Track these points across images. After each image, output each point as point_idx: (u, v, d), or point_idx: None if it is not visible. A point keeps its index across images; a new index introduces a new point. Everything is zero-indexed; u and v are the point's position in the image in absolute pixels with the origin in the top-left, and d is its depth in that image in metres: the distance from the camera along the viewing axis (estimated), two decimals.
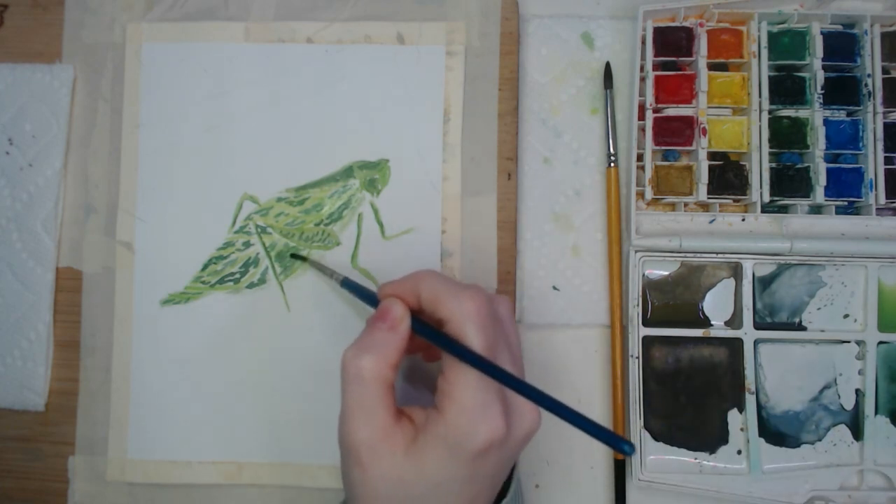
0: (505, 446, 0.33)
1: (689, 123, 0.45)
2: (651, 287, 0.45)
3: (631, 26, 0.47)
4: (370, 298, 0.37)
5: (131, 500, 0.44)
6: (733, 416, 0.44)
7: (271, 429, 0.44)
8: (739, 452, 0.44)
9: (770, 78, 0.45)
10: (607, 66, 0.46)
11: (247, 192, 0.45)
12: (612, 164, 0.45)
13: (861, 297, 0.45)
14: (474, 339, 0.32)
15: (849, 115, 0.45)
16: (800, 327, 0.45)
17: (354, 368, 0.33)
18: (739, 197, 0.44)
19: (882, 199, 0.44)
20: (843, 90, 0.45)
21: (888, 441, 0.44)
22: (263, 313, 0.44)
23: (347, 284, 0.40)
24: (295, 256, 0.44)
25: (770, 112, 0.45)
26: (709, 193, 0.44)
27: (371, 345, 0.34)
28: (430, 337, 0.34)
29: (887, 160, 0.44)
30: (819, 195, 0.44)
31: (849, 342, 0.44)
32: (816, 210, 0.45)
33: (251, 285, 0.44)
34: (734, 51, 0.45)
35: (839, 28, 0.45)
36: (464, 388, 0.32)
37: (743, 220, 0.45)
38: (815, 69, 0.44)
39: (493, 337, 0.33)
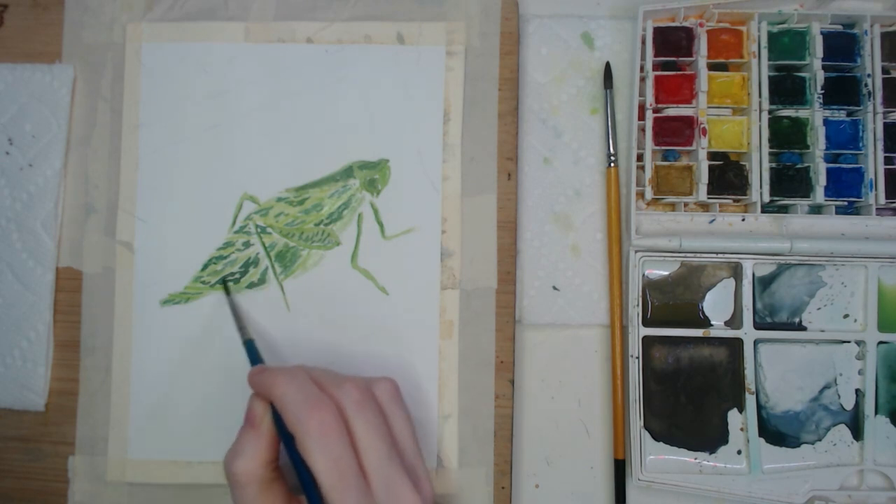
0: None
1: (689, 123, 0.45)
2: (651, 287, 0.45)
3: (631, 26, 0.47)
4: (253, 362, 0.40)
5: (131, 500, 0.44)
6: (733, 416, 0.44)
7: None
8: (739, 452, 0.44)
9: (770, 78, 0.45)
10: (607, 66, 0.46)
11: (247, 192, 0.45)
12: (612, 164, 0.45)
13: (861, 297, 0.45)
14: (314, 460, 0.32)
15: (849, 115, 0.45)
16: (800, 327, 0.45)
17: (229, 474, 0.35)
18: (739, 197, 0.44)
19: (882, 199, 0.44)
20: (843, 90, 0.45)
21: (888, 441, 0.44)
22: (263, 313, 0.44)
23: (249, 347, 0.40)
24: (225, 283, 0.44)
25: (770, 112, 0.45)
26: (709, 193, 0.44)
27: (240, 448, 0.35)
28: (284, 443, 0.34)
29: (887, 160, 0.44)
30: (819, 195, 0.44)
31: (849, 342, 0.44)
32: (816, 210, 0.45)
33: (251, 285, 0.44)
34: (734, 51, 0.45)
35: (839, 28, 0.45)
36: None
37: (743, 220, 0.45)
38: (815, 69, 0.44)
39: (339, 454, 0.32)
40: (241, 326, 0.42)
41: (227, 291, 0.44)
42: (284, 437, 0.34)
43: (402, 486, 0.33)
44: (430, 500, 0.35)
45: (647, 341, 0.44)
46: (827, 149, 0.44)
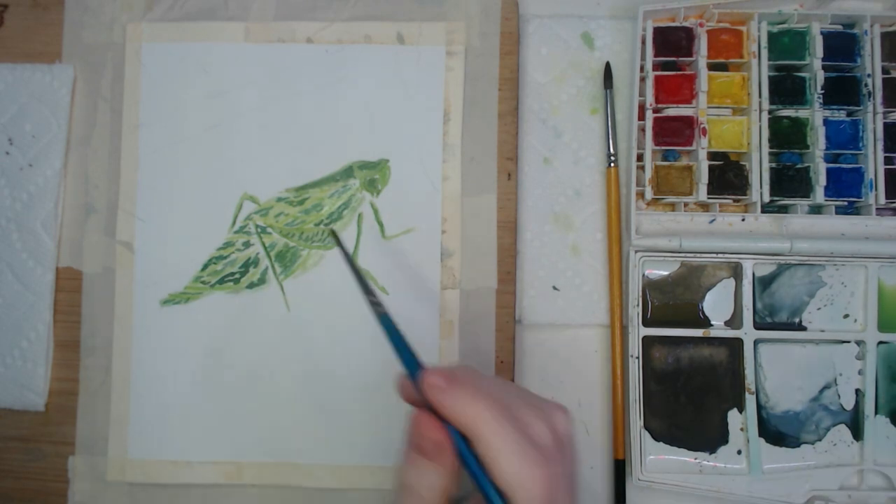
0: None
1: (689, 123, 0.45)
2: (651, 287, 0.45)
3: (631, 26, 0.47)
4: (409, 363, 0.31)
5: (131, 500, 0.44)
6: (733, 416, 0.44)
7: (271, 429, 0.44)
8: (739, 452, 0.44)
9: (770, 78, 0.45)
10: (607, 66, 0.46)
11: (247, 192, 0.45)
12: (612, 164, 0.45)
13: (861, 297, 0.45)
14: None
15: (849, 115, 0.45)
16: (800, 327, 0.45)
17: (406, 489, 0.29)
18: (739, 197, 0.44)
19: (882, 199, 0.44)
20: (843, 90, 0.45)
21: (888, 441, 0.44)
22: (263, 313, 0.44)
23: (386, 324, 0.33)
24: (334, 236, 0.39)
25: (770, 112, 0.45)
26: (709, 193, 0.44)
27: (414, 483, 0.29)
28: (479, 484, 0.28)
29: (887, 160, 0.44)
30: (819, 195, 0.44)
31: (849, 342, 0.44)
32: (816, 210, 0.45)
33: (251, 285, 0.44)
34: (734, 51, 0.45)
35: (839, 28, 0.45)
36: None
37: (743, 220, 0.45)
38: (815, 69, 0.44)
39: None
40: (373, 301, 0.34)
41: (340, 245, 0.38)
42: (476, 472, 0.29)
43: None
44: None
45: (647, 341, 0.44)
46: (827, 149, 0.44)
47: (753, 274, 0.44)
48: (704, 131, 0.44)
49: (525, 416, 0.29)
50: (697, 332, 0.44)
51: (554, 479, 0.28)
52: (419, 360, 0.31)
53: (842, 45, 0.45)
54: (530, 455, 0.27)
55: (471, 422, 0.28)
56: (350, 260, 0.36)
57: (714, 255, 0.44)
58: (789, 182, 0.44)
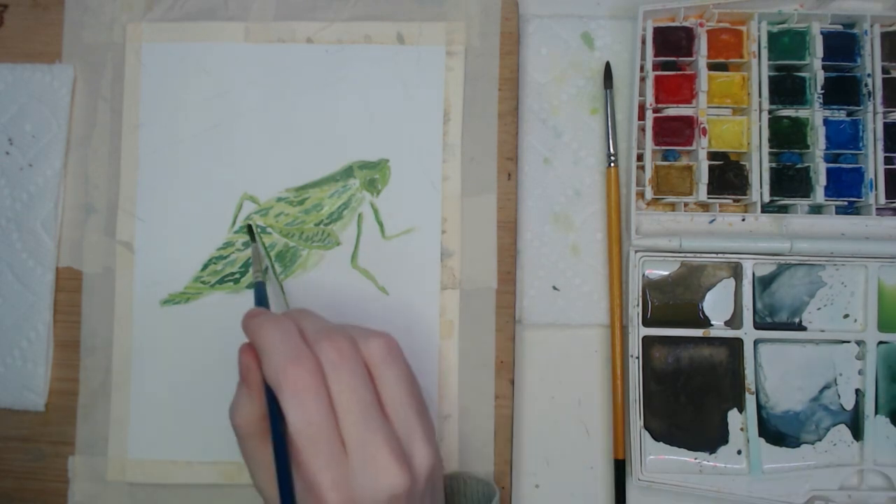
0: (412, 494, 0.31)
1: (689, 123, 0.45)
2: (651, 287, 0.45)
3: (631, 26, 0.47)
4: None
5: (131, 500, 0.44)
6: (733, 416, 0.44)
7: None
8: (739, 452, 0.44)
9: (770, 78, 0.45)
10: (607, 66, 0.46)
11: (247, 192, 0.45)
12: (612, 164, 0.45)
13: (861, 297, 0.45)
14: (288, 419, 0.30)
15: (849, 115, 0.45)
16: (800, 327, 0.45)
17: (234, 428, 0.33)
18: (739, 197, 0.44)
19: (882, 199, 0.44)
20: (843, 90, 0.45)
21: (888, 441, 0.44)
22: None
23: (256, 290, 0.39)
24: (250, 228, 0.44)
25: (770, 112, 0.45)
26: (709, 193, 0.44)
27: (236, 402, 0.33)
28: (266, 395, 0.33)
29: (887, 160, 0.44)
30: (819, 195, 0.44)
31: (849, 342, 0.44)
32: (816, 210, 0.45)
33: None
34: (734, 51, 0.45)
35: (839, 28, 0.45)
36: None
37: (743, 220, 0.45)
38: (815, 69, 0.44)
39: (313, 417, 0.30)
40: (256, 270, 0.41)
41: (253, 238, 0.44)
42: (268, 389, 0.32)
43: (382, 456, 0.30)
44: (425, 469, 0.32)
45: (647, 341, 0.44)
46: (827, 149, 0.44)
47: (753, 274, 0.44)
48: (704, 131, 0.44)
49: (317, 337, 0.32)
50: (697, 332, 0.44)
51: (311, 377, 0.30)
52: (265, 306, 0.38)
53: (842, 45, 0.45)
54: (291, 354, 0.31)
55: (256, 337, 0.32)
56: (256, 249, 0.43)
57: (714, 255, 0.44)
58: (789, 182, 0.44)
